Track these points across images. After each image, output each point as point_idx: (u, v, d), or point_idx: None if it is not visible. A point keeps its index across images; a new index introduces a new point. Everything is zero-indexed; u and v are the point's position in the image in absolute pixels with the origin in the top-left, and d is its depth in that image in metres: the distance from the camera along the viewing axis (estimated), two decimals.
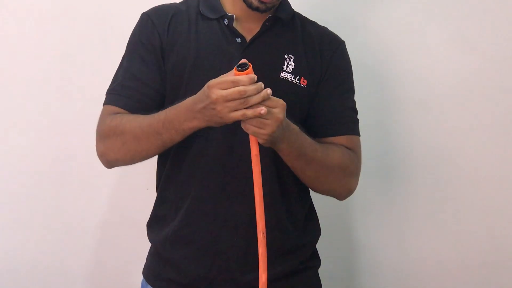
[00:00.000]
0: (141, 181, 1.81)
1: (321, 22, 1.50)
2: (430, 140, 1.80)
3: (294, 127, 1.28)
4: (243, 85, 1.15)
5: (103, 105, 1.40)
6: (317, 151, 1.34)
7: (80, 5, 1.80)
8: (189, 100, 1.24)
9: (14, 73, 1.82)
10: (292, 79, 1.38)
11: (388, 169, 1.83)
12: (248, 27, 1.39)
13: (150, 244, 1.47)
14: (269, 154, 1.34)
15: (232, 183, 1.35)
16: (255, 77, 1.16)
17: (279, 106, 1.20)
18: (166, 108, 1.32)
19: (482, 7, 1.74)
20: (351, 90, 1.48)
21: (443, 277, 1.84)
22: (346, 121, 1.45)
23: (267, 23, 1.39)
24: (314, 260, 1.49)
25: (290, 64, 1.38)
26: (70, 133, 1.84)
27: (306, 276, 1.45)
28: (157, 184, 1.46)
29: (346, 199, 1.47)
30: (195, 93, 1.23)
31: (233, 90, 1.15)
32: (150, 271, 1.45)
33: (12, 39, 1.82)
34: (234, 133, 1.31)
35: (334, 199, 1.46)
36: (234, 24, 1.38)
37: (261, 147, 1.25)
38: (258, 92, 1.16)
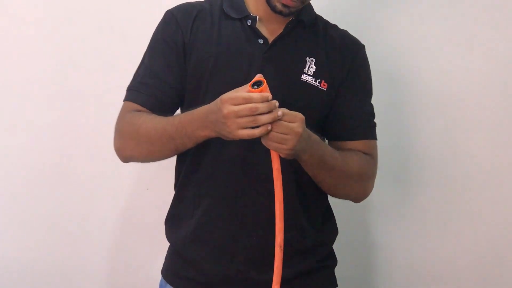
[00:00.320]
0: (141, 181, 1.82)
1: (339, 24, 1.50)
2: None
3: (315, 138, 1.29)
4: (255, 102, 1.15)
5: (123, 101, 1.41)
6: (337, 160, 1.34)
7: (80, 5, 1.80)
8: (203, 109, 1.25)
9: (13, 72, 1.81)
10: (313, 82, 1.38)
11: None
12: (271, 29, 1.39)
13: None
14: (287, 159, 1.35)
15: (251, 182, 1.36)
16: (269, 96, 1.16)
17: (297, 120, 1.20)
18: (184, 108, 1.34)
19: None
20: (369, 94, 1.48)
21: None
22: (364, 126, 1.45)
23: (289, 25, 1.39)
24: (331, 259, 1.49)
25: (311, 67, 1.38)
26: (71, 133, 1.83)
27: (323, 276, 1.46)
28: (175, 182, 1.47)
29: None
30: (214, 93, 1.23)
31: (245, 107, 1.15)
32: (169, 270, 1.46)
33: (13, 39, 1.81)
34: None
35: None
36: (257, 25, 1.38)
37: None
38: (270, 110, 1.16)
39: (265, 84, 1.17)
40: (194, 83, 1.37)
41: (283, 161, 1.28)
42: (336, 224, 1.51)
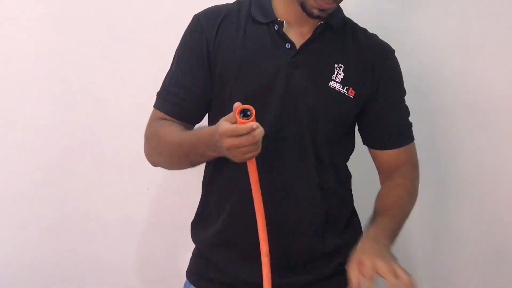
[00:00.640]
0: (141, 181, 1.82)
1: (367, 27, 1.48)
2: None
3: (385, 241, 1.29)
4: (243, 134, 1.15)
5: (153, 106, 1.43)
6: (400, 223, 1.38)
7: (80, 5, 1.78)
8: (206, 134, 1.26)
9: (14, 72, 1.80)
10: (341, 89, 1.37)
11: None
12: (299, 33, 1.37)
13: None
14: (311, 162, 1.37)
15: (274, 186, 1.36)
16: (254, 124, 1.15)
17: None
18: (211, 113, 1.37)
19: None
20: (403, 95, 1.48)
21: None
22: (403, 132, 1.47)
23: (318, 30, 1.37)
24: None
25: (340, 74, 1.37)
26: (72, 134, 1.82)
27: (346, 278, 1.45)
28: (202, 184, 1.48)
29: None
30: (240, 99, 1.21)
31: (245, 140, 1.15)
32: (193, 272, 1.48)
33: (13, 39, 1.79)
34: (273, 139, 1.32)
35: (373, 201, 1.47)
36: (285, 30, 1.36)
37: (304, 153, 1.29)
38: (263, 134, 1.17)
39: (253, 114, 1.16)
40: (220, 89, 1.37)
41: (309, 170, 1.31)
42: (360, 224, 1.51)
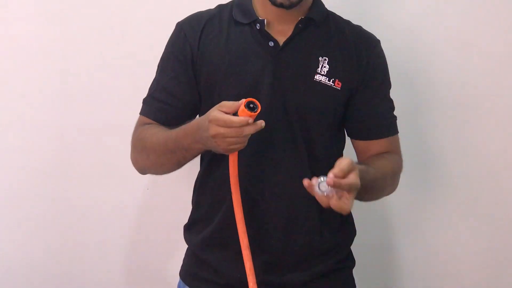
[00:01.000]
0: (141, 181, 1.80)
1: (353, 21, 1.47)
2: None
3: (363, 176, 1.24)
4: (235, 127, 1.16)
5: (139, 113, 1.44)
6: (377, 180, 1.34)
7: (80, 4, 1.79)
8: (194, 125, 1.27)
9: (13, 72, 1.80)
10: (327, 81, 1.37)
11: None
12: (281, 30, 1.37)
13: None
14: (304, 157, 1.36)
15: (266, 187, 1.36)
16: (250, 119, 1.16)
17: (352, 183, 1.17)
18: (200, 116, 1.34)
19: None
20: (388, 87, 1.47)
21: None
22: (387, 123, 1.46)
23: (300, 25, 1.37)
24: (349, 260, 1.49)
25: (325, 67, 1.37)
26: (72, 133, 1.83)
27: (341, 277, 1.46)
28: (194, 188, 1.48)
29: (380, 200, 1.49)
30: (229, 100, 1.22)
31: (231, 131, 1.17)
32: (187, 272, 1.47)
33: (13, 39, 1.80)
34: (265, 137, 1.31)
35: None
36: (267, 28, 1.37)
37: (297, 149, 1.30)
38: (257, 130, 1.18)
39: (259, 109, 1.17)
40: (207, 92, 1.38)
41: (303, 166, 1.32)
42: (354, 225, 1.51)
